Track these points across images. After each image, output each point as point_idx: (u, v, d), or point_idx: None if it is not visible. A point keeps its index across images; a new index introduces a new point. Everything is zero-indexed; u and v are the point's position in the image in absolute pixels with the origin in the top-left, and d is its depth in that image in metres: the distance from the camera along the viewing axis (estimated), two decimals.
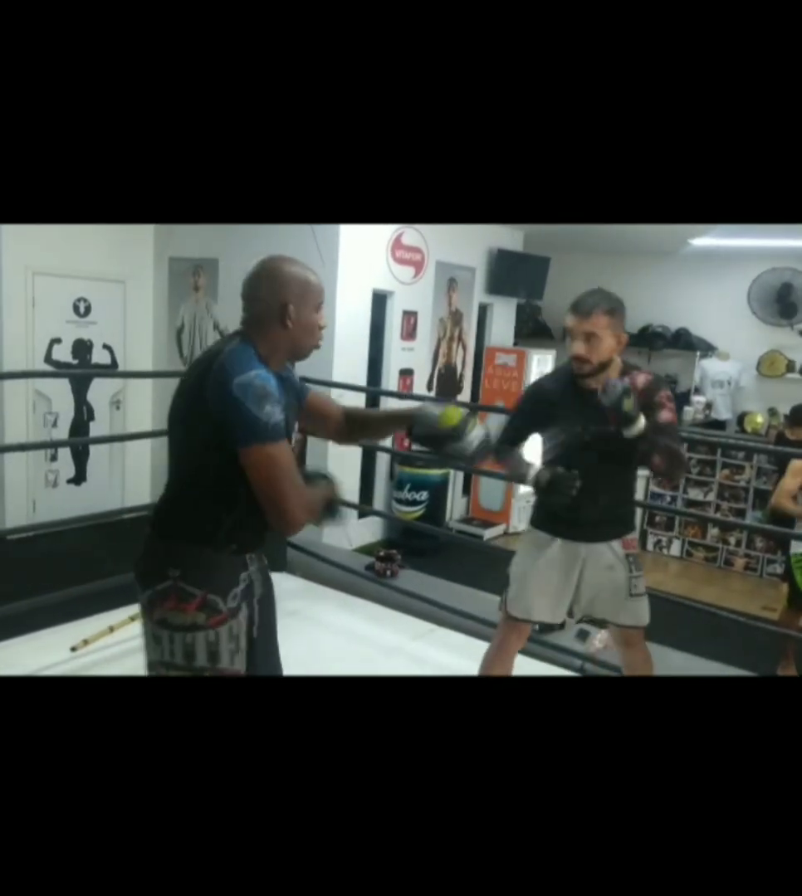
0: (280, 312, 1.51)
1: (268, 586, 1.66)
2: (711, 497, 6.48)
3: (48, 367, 5.50)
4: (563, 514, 2.19)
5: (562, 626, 3.16)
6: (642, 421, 2.00)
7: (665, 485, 6.38)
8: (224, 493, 1.47)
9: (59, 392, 5.61)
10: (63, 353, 5.58)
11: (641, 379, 2.13)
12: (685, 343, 7.24)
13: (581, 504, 2.14)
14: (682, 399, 7.23)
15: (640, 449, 2.05)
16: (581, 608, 2.31)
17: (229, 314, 5.74)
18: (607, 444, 2.09)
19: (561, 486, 2.08)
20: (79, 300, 5.61)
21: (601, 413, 2.02)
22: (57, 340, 5.53)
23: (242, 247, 5.55)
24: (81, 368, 5.74)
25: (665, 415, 2.10)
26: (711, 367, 7.13)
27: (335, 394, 5.22)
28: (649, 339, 7.38)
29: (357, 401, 5.53)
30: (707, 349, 7.22)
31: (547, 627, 3.14)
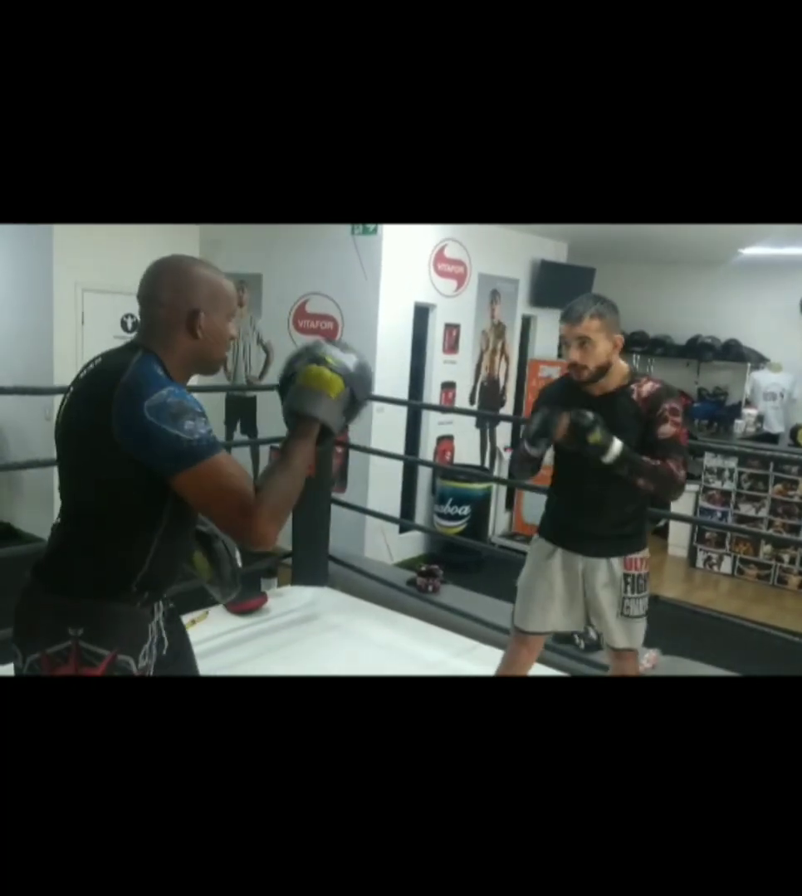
0: (189, 320, 1.30)
1: (182, 637, 1.48)
2: (763, 513, 6.28)
3: None
4: (566, 524, 2.21)
5: (572, 638, 3.18)
6: (616, 447, 1.96)
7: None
8: (137, 538, 1.27)
9: None
10: None
11: (646, 388, 2.07)
12: (736, 354, 7.06)
13: (583, 515, 2.15)
14: (733, 412, 7.06)
15: (620, 473, 2.01)
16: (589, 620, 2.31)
17: (272, 328, 5.80)
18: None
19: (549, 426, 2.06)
20: (126, 316, 5.73)
21: (605, 418, 2.02)
22: None
23: (285, 262, 5.61)
24: None
25: (667, 428, 2.02)
26: (763, 378, 6.94)
27: (376, 407, 5.24)
28: (698, 351, 7.23)
29: (399, 414, 5.52)
30: (759, 360, 7.03)
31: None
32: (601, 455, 1.97)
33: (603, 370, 2.07)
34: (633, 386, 2.08)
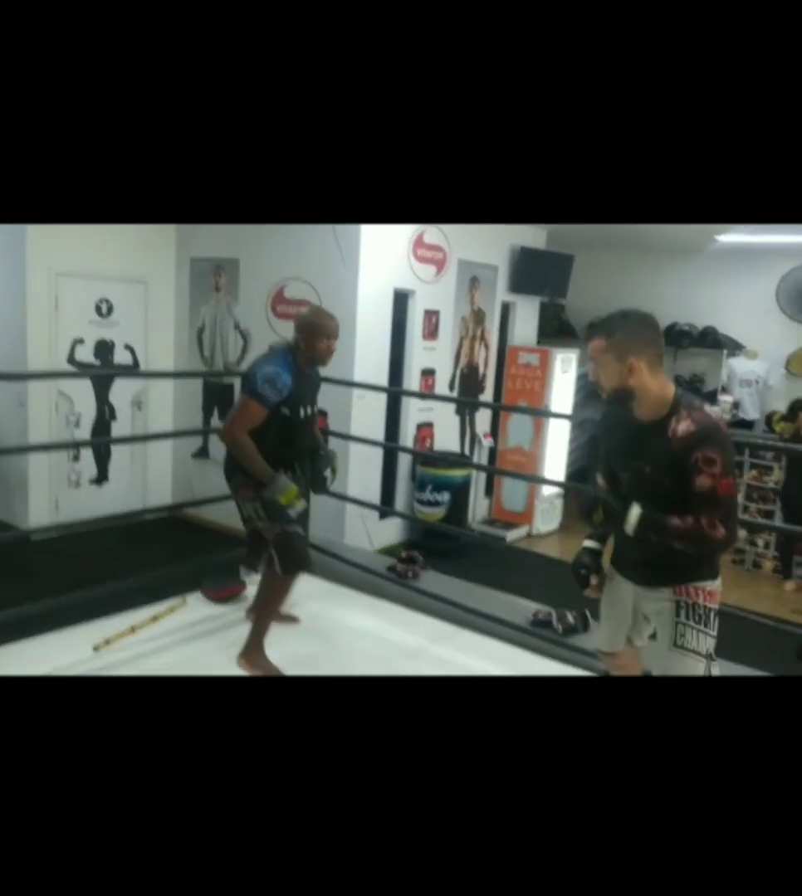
0: (297, 341, 2.80)
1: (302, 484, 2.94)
2: (739, 498, 6.36)
3: (71, 368, 5.53)
4: (620, 549, 2.12)
5: (550, 623, 3.28)
6: (633, 517, 1.89)
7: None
8: (257, 441, 2.67)
9: (82, 392, 5.65)
10: (85, 354, 5.61)
11: (682, 427, 1.85)
12: (712, 341, 7.12)
13: (626, 540, 2.01)
14: (709, 398, 7.13)
15: (649, 537, 1.91)
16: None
17: (249, 314, 5.75)
18: (648, 482, 1.92)
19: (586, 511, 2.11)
20: (101, 301, 5.64)
21: (639, 448, 1.93)
22: (79, 341, 5.57)
23: (262, 247, 5.54)
24: (103, 369, 5.78)
25: (701, 481, 1.82)
26: (739, 365, 7.01)
27: (356, 394, 5.22)
28: (675, 338, 7.27)
29: (379, 401, 5.50)
30: (735, 347, 7.10)
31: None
32: (621, 525, 1.93)
33: (623, 393, 1.91)
34: (672, 420, 1.87)
